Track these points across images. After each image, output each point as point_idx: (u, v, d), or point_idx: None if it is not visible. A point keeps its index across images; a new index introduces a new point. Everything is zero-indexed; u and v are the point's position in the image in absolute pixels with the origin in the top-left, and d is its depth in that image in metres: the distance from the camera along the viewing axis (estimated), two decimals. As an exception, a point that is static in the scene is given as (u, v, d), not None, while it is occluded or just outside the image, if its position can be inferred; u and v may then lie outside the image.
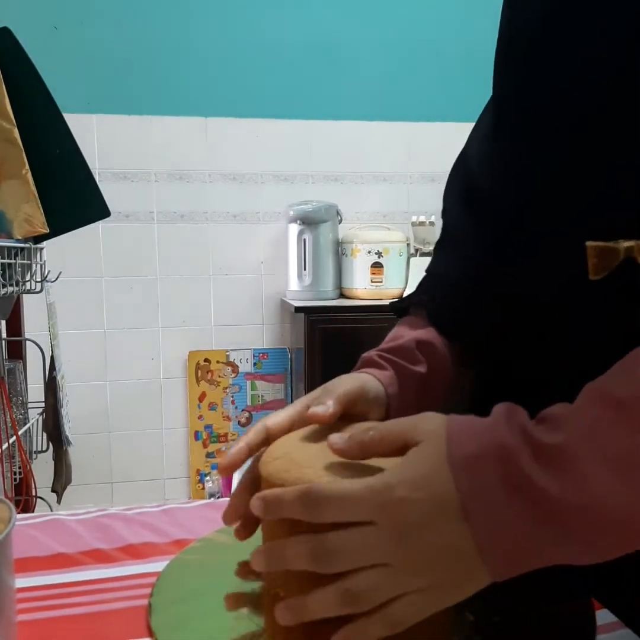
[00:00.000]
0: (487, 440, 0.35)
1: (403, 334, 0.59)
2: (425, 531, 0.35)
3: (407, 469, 0.36)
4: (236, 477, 2.04)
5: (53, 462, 1.60)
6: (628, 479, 0.32)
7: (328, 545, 0.35)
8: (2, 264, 1.24)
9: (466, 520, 0.34)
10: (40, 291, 1.44)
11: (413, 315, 0.62)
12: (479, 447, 0.35)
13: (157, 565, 0.52)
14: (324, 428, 0.45)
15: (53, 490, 1.60)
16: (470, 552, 0.34)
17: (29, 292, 1.43)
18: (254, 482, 0.46)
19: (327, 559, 0.35)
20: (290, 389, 2.31)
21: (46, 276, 1.43)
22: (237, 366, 2.29)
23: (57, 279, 1.47)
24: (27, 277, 1.39)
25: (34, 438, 1.60)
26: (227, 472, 0.47)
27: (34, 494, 1.52)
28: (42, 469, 1.62)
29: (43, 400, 1.58)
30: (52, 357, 1.54)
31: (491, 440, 0.35)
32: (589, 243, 0.42)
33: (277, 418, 0.50)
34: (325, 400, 0.46)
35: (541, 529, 0.33)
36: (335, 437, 0.40)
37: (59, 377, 1.56)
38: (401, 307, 0.64)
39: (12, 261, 1.28)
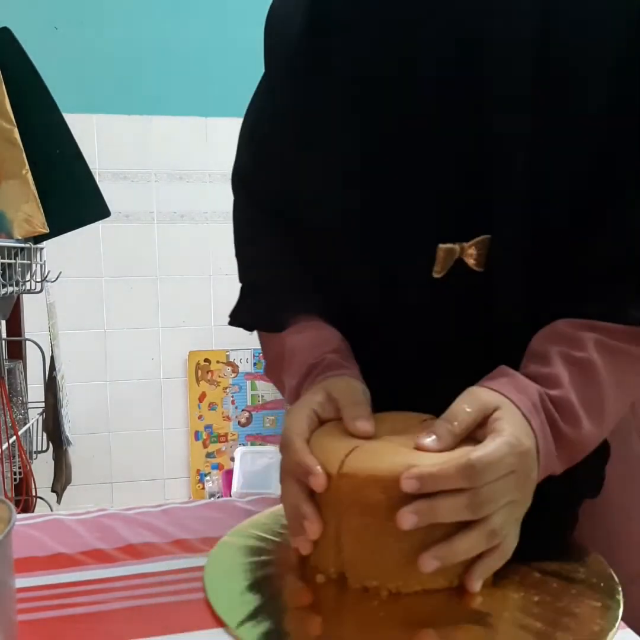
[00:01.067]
0: (530, 395, 0.48)
1: (323, 340, 0.60)
2: (531, 473, 0.46)
3: (514, 426, 0.45)
4: (236, 477, 2.03)
5: (53, 462, 1.60)
6: (599, 421, 0.49)
7: (482, 497, 0.43)
8: (2, 264, 1.24)
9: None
10: (40, 291, 1.44)
11: (299, 321, 0.62)
12: (531, 402, 0.47)
13: (157, 565, 0.52)
14: (340, 423, 0.50)
15: (53, 490, 1.60)
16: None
17: (29, 292, 1.43)
18: (310, 492, 0.47)
19: (480, 508, 0.43)
20: (290, 389, 2.31)
21: (46, 276, 1.43)
22: (237, 366, 2.29)
23: (57, 279, 1.47)
24: (27, 277, 1.39)
25: (34, 438, 1.60)
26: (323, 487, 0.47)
27: (34, 494, 1.52)
28: (42, 469, 1.62)
29: (43, 400, 1.58)
30: (52, 357, 1.54)
31: (531, 395, 0.48)
32: (440, 245, 0.53)
33: (301, 428, 0.50)
34: (360, 415, 0.50)
35: (559, 450, 0.48)
36: (428, 441, 0.46)
37: (59, 377, 1.56)
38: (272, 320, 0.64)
39: (12, 261, 1.28)
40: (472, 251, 0.53)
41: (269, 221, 0.67)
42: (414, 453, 0.45)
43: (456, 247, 0.53)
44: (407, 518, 0.42)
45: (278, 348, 0.62)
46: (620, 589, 0.46)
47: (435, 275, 0.54)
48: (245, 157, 0.70)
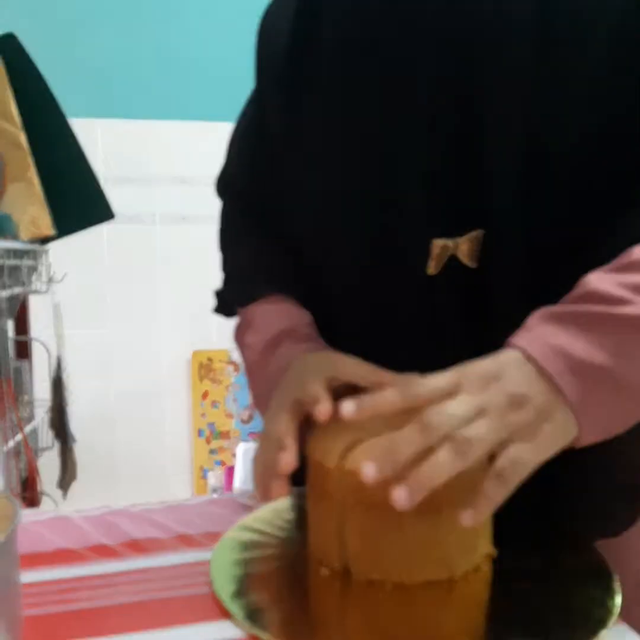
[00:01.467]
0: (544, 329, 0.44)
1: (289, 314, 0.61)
2: (502, 378, 0.42)
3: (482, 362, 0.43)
4: (238, 474, 2.04)
5: (59, 459, 1.61)
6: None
7: (430, 417, 0.40)
8: (9, 265, 1.25)
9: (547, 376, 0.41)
10: (46, 292, 1.45)
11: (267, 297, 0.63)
12: (546, 339, 0.43)
13: (161, 560, 0.53)
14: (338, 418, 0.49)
15: (59, 487, 1.61)
16: (544, 388, 0.41)
17: (35, 292, 1.44)
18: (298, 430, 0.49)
19: (430, 427, 0.39)
20: (292, 387, 2.32)
21: (52, 277, 1.44)
22: (239, 365, 2.30)
23: (62, 279, 1.48)
24: (34, 278, 1.40)
25: (40, 436, 1.60)
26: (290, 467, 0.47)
27: (39, 490, 1.53)
28: (48, 466, 1.63)
29: (49, 398, 1.59)
30: (58, 356, 1.55)
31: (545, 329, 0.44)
32: (435, 240, 0.51)
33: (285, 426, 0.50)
34: (317, 397, 0.49)
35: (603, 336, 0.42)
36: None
37: (64, 376, 1.57)
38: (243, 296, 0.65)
39: (19, 262, 1.29)
40: (464, 247, 0.51)
41: (253, 224, 0.68)
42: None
43: (450, 243, 0.51)
44: (368, 468, 0.40)
45: (248, 317, 0.63)
46: (616, 577, 0.46)
47: (430, 272, 0.52)
48: (232, 165, 0.70)
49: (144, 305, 2.21)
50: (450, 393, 0.41)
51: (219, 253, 0.71)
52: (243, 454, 2.01)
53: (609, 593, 0.44)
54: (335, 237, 0.58)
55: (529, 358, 0.42)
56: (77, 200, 1.37)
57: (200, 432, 2.29)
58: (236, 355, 2.30)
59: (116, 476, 2.23)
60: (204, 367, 2.27)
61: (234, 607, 0.44)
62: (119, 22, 2.10)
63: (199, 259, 2.23)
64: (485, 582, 0.46)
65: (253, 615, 0.43)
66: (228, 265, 0.70)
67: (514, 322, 0.48)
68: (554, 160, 0.50)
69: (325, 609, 0.47)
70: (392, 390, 0.42)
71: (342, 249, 0.58)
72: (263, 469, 0.49)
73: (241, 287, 0.66)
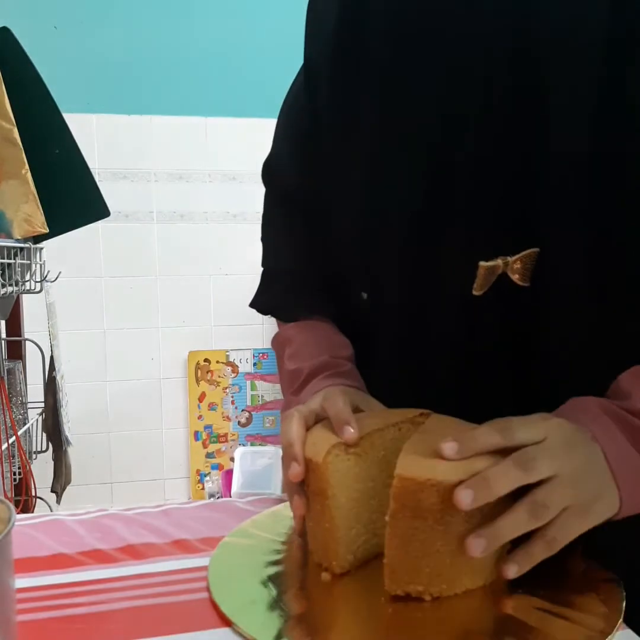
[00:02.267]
0: (592, 407, 0.48)
1: (333, 343, 0.63)
2: (578, 447, 0.45)
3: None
4: (236, 477, 2.03)
5: (53, 462, 1.59)
6: None
7: (529, 455, 0.43)
8: (1, 263, 1.24)
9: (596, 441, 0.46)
10: (40, 291, 1.44)
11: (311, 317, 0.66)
12: (593, 413, 0.47)
13: (157, 565, 0.52)
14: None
15: (53, 491, 1.60)
16: (604, 469, 0.45)
17: (28, 292, 1.43)
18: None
19: (527, 464, 0.42)
20: (290, 389, 2.31)
21: (46, 276, 1.43)
22: (237, 366, 2.29)
23: (56, 279, 1.47)
24: (27, 277, 1.39)
25: (34, 438, 1.60)
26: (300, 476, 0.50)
27: (33, 494, 1.52)
28: (42, 469, 1.62)
29: (43, 400, 1.58)
30: (51, 357, 1.54)
31: (594, 407, 0.48)
32: (482, 263, 0.50)
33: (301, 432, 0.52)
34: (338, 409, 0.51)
35: None
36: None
37: (58, 377, 1.56)
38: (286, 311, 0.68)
39: (12, 261, 1.28)
40: (517, 265, 0.50)
41: (298, 223, 0.67)
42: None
43: (499, 263, 0.50)
44: (464, 494, 0.41)
45: (289, 334, 0.65)
46: (621, 582, 0.46)
47: (475, 293, 0.51)
48: (276, 149, 0.69)
49: (140, 304, 2.20)
50: (538, 442, 0.44)
51: (262, 243, 0.72)
52: (241, 457, 2.00)
53: (615, 597, 0.45)
54: (377, 244, 0.57)
55: (603, 455, 0.46)
56: (71, 197, 1.36)
57: (197, 435, 2.28)
58: (234, 356, 2.28)
59: (111, 480, 2.22)
60: (201, 368, 2.25)
61: (236, 615, 0.44)
62: (116, 16, 2.10)
63: (197, 258, 2.23)
64: (504, 590, 0.46)
65: (254, 623, 0.43)
66: (270, 262, 0.71)
67: (564, 343, 0.51)
68: (621, 173, 0.47)
69: (360, 624, 0.45)
70: (492, 431, 0.44)
71: (384, 261, 0.57)
72: (285, 482, 0.51)
73: (284, 300, 0.68)
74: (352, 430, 0.48)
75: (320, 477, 0.48)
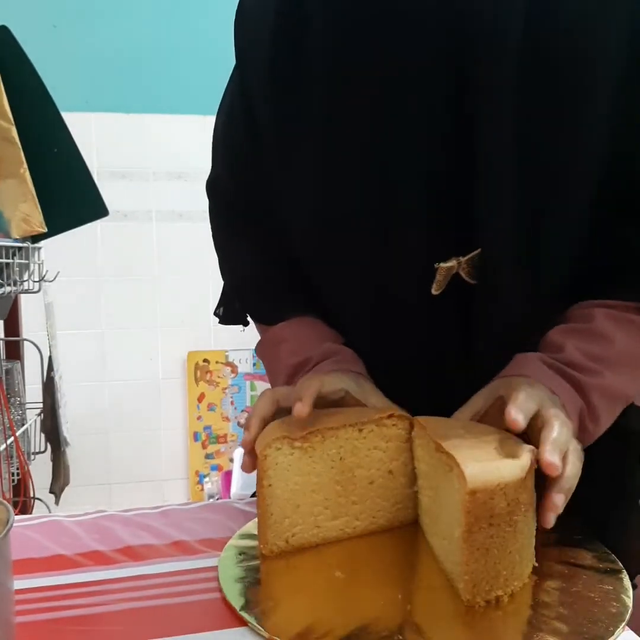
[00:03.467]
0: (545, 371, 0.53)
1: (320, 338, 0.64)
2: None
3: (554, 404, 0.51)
4: (235, 479, 2.03)
5: (51, 463, 1.59)
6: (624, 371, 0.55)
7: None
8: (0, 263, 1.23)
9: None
10: (38, 291, 1.44)
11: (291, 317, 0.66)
12: (548, 374, 0.53)
13: (156, 567, 0.52)
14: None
15: (51, 492, 1.59)
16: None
17: (26, 291, 1.43)
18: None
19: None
20: (289, 389, 2.30)
21: (44, 276, 1.43)
22: (237, 366, 2.28)
23: (55, 278, 1.47)
24: (25, 277, 1.38)
25: (32, 439, 1.59)
26: (250, 446, 0.53)
27: (32, 495, 1.51)
28: (40, 470, 1.61)
29: (41, 401, 1.57)
30: (50, 358, 1.54)
31: (546, 370, 0.54)
32: (441, 264, 0.53)
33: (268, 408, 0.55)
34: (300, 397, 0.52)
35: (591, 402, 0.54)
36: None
37: (57, 378, 1.55)
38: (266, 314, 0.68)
39: (10, 261, 1.27)
40: (467, 264, 0.54)
41: (251, 232, 0.68)
42: (495, 453, 0.46)
43: (454, 263, 0.54)
44: (557, 498, 0.46)
45: (278, 335, 0.66)
46: (625, 572, 0.48)
47: (434, 292, 0.55)
48: (218, 166, 0.69)
49: (139, 304, 2.20)
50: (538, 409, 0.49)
51: (218, 255, 0.72)
52: (240, 458, 2.00)
53: (622, 590, 0.47)
54: (336, 252, 0.59)
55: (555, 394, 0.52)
56: (69, 196, 1.36)
57: (196, 436, 2.27)
58: (233, 357, 2.28)
59: (110, 481, 2.21)
60: (200, 369, 2.25)
61: (249, 617, 0.44)
62: (114, 14, 2.09)
63: (196, 258, 2.22)
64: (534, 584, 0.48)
65: (268, 623, 0.44)
66: (234, 274, 0.71)
67: (509, 335, 0.55)
68: (549, 174, 0.51)
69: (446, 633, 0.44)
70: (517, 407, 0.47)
71: (344, 268, 0.59)
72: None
73: (264, 304, 0.68)
74: (301, 406, 0.49)
75: (259, 467, 0.51)
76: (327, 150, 0.55)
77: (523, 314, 0.56)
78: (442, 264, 0.53)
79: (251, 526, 0.57)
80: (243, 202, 0.67)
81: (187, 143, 2.18)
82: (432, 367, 0.59)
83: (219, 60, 2.17)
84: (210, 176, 0.71)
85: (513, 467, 0.44)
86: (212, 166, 0.70)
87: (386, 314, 0.59)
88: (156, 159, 2.16)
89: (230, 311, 0.72)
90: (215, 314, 0.73)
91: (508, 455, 0.45)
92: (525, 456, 0.45)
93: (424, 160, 0.52)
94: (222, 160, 0.68)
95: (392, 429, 0.54)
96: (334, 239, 0.58)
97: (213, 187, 0.71)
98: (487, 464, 0.44)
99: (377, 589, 0.47)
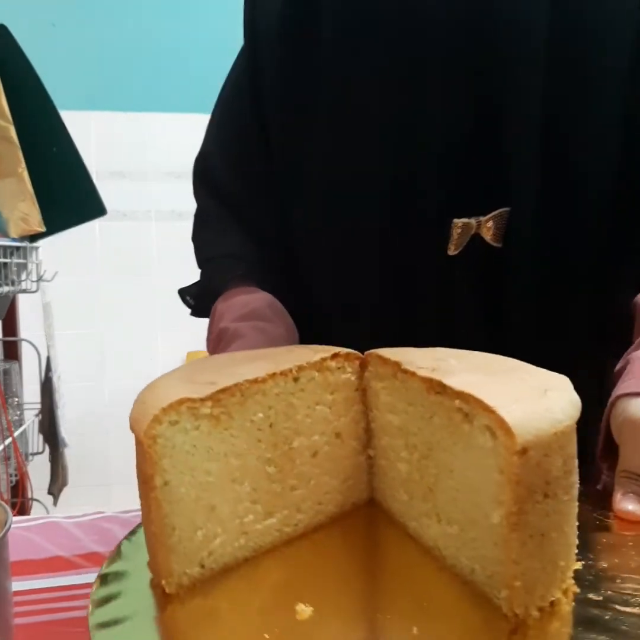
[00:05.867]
0: None
1: (248, 301, 0.60)
2: None
3: None
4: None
5: (49, 464, 1.58)
6: None
7: None
8: (-2, 263, 1.23)
9: None
10: (37, 291, 1.43)
11: (234, 288, 0.63)
12: None
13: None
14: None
15: (49, 493, 1.59)
16: None
17: (24, 291, 1.42)
18: None
19: None
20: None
21: (42, 276, 1.42)
22: (235, 367, 2.27)
23: (53, 278, 1.46)
24: (23, 277, 1.38)
25: (30, 440, 1.59)
26: None
27: (30, 496, 1.51)
28: (39, 471, 1.61)
29: (39, 401, 1.56)
30: (48, 358, 1.53)
31: None
32: (455, 220, 0.50)
33: None
34: None
35: None
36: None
37: (55, 378, 1.54)
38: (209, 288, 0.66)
39: (8, 260, 1.27)
40: (490, 225, 0.51)
41: (233, 220, 0.67)
42: (528, 388, 0.33)
43: (472, 222, 0.51)
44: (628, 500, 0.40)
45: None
46: None
47: (450, 253, 0.52)
48: (208, 146, 0.69)
49: (137, 304, 2.19)
50: None
51: (194, 241, 0.72)
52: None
53: None
54: (349, 217, 0.56)
55: None
56: (68, 195, 1.36)
57: (194, 436, 2.26)
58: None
59: (109, 481, 2.20)
60: (198, 370, 2.24)
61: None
62: (113, 13, 2.09)
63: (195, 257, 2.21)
64: None
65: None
66: (210, 252, 0.70)
67: (531, 298, 0.51)
68: (574, 146, 0.50)
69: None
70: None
71: (357, 227, 0.56)
72: None
73: (206, 285, 0.66)
74: None
75: (144, 457, 0.33)
76: (342, 113, 0.54)
77: (546, 282, 0.53)
78: (457, 220, 0.51)
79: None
80: (228, 186, 0.66)
81: (186, 142, 2.17)
82: (442, 327, 0.54)
83: (218, 58, 2.17)
84: (199, 156, 0.71)
85: (564, 404, 0.30)
86: (204, 145, 0.70)
87: (402, 278, 0.55)
88: (155, 158, 2.16)
89: (194, 287, 0.69)
90: (186, 303, 0.70)
91: (547, 388, 0.31)
92: (566, 384, 0.32)
93: (446, 120, 0.50)
94: (216, 136, 0.67)
95: (337, 374, 0.39)
96: (348, 205, 0.55)
97: (202, 169, 0.71)
98: (530, 404, 0.30)
99: (369, 624, 0.30)
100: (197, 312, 0.70)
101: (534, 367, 0.35)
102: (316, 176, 0.57)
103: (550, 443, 0.29)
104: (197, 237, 0.71)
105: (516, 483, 0.28)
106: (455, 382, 0.32)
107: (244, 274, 0.62)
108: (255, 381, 0.36)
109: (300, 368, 0.38)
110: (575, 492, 0.32)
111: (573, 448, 0.31)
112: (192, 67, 2.14)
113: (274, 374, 0.36)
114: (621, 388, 0.43)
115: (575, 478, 0.32)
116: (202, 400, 0.34)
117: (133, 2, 2.10)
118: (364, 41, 0.52)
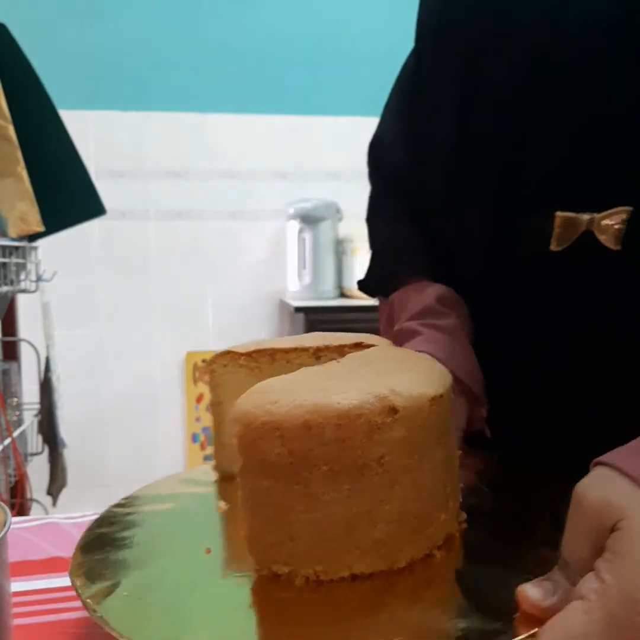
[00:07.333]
0: None
1: (419, 298, 0.58)
2: None
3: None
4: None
5: (48, 464, 1.58)
6: None
7: None
8: (-4, 262, 1.22)
9: None
10: (35, 291, 1.43)
11: (407, 284, 0.61)
12: None
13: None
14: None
15: (48, 493, 1.59)
16: None
17: (24, 291, 1.42)
18: None
19: None
20: (288, 390, 2.30)
21: (41, 275, 1.42)
22: (235, 367, 2.27)
23: (52, 278, 1.46)
24: (22, 277, 1.37)
25: (29, 440, 1.58)
26: None
27: (29, 496, 1.50)
28: (38, 472, 1.60)
29: (38, 401, 1.56)
30: (47, 358, 1.53)
31: None
32: (558, 213, 0.45)
33: None
34: None
35: None
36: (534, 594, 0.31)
37: (54, 379, 1.54)
38: (384, 283, 0.64)
39: (7, 260, 1.27)
40: (607, 223, 0.44)
41: (392, 192, 0.67)
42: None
43: (582, 217, 0.45)
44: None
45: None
46: None
47: (553, 248, 0.46)
48: (383, 127, 0.68)
49: (137, 304, 2.19)
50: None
51: (368, 225, 0.71)
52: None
53: None
54: (465, 201, 0.54)
55: None
56: (67, 195, 1.35)
57: (194, 437, 2.26)
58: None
59: (107, 482, 2.20)
60: (199, 369, 2.24)
61: None
62: (112, 12, 2.09)
63: (194, 257, 2.21)
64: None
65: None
66: (371, 245, 0.69)
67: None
68: None
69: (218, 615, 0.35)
70: None
71: (469, 218, 0.54)
72: None
73: (379, 279, 0.65)
74: None
75: (209, 384, 0.49)
76: (466, 95, 0.52)
77: None
78: (560, 213, 0.45)
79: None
80: (405, 176, 0.64)
81: (185, 141, 2.18)
82: (540, 331, 0.49)
83: (217, 58, 2.18)
84: (373, 141, 0.71)
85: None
86: (378, 130, 0.70)
87: (502, 273, 0.52)
88: (154, 158, 2.16)
89: (365, 278, 0.67)
90: (358, 282, 0.68)
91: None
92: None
93: (577, 97, 0.46)
94: (392, 123, 0.67)
95: None
96: (464, 191, 0.54)
97: (376, 154, 0.70)
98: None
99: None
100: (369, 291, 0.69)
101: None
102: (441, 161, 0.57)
103: (265, 431, 0.34)
104: (370, 220, 0.72)
105: (238, 449, 0.36)
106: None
107: (415, 268, 0.61)
108: (282, 350, 0.45)
109: (320, 348, 0.45)
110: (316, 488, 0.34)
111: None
112: (190, 67, 2.14)
113: (297, 348, 0.45)
114: (606, 454, 0.34)
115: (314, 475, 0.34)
116: (241, 354, 0.47)
117: (133, 2, 2.10)
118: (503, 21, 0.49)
